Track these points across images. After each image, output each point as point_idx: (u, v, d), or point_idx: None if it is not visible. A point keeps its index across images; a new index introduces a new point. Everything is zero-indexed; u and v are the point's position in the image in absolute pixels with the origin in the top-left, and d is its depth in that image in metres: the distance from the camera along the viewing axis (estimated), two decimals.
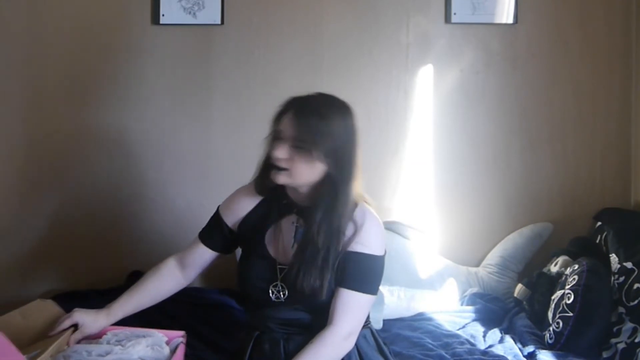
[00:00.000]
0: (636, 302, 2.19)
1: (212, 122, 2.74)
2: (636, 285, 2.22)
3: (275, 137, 1.75)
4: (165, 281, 1.92)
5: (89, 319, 1.82)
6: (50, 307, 1.92)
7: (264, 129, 2.70)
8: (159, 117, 2.71)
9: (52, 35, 2.65)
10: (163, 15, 2.65)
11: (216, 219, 1.94)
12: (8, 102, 2.65)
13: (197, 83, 2.72)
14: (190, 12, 2.67)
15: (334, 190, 1.73)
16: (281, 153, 1.72)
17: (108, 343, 1.76)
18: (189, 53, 2.71)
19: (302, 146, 1.70)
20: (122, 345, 1.73)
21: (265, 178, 1.81)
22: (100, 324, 1.83)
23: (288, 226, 1.83)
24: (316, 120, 1.70)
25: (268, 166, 1.79)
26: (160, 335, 1.81)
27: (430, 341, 2.22)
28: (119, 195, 2.70)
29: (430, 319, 2.44)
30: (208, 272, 2.72)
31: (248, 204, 1.89)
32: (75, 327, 1.82)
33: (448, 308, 2.55)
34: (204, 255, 1.94)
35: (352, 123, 1.77)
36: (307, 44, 2.75)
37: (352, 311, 1.74)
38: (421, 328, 2.35)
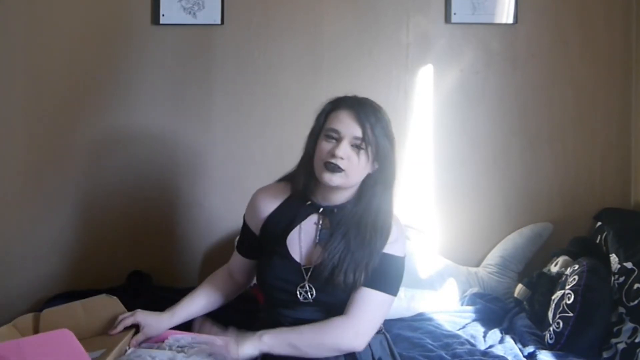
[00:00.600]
0: (636, 302, 2.19)
1: (212, 122, 2.74)
2: (636, 285, 2.22)
3: (330, 137, 1.74)
4: (223, 286, 1.98)
5: (152, 320, 1.84)
6: (114, 304, 1.95)
7: (264, 128, 2.74)
8: (158, 117, 2.71)
9: (52, 35, 2.65)
10: (163, 15, 2.65)
11: (244, 227, 1.95)
12: (9, 103, 2.65)
13: (197, 83, 2.72)
14: (190, 12, 2.67)
15: (384, 189, 1.78)
16: (343, 152, 1.71)
17: (170, 349, 1.75)
18: (189, 53, 2.71)
19: (363, 146, 1.71)
20: (185, 353, 1.71)
21: (310, 178, 1.80)
22: (163, 326, 1.85)
23: (310, 227, 1.83)
24: (375, 120, 1.73)
25: (310, 165, 1.78)
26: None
27: (430, 342, 2.21)
28: (118, 195, 2.70)
29: (430, 319, 2.43)
30: (207, 272, 2.74)
31: (269, 206, 1.87)
32: (136, 327, 1.84)
33: (448, 308, 2.54)
34: (244, 263, 1.97)
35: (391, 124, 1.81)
36: (307, 44, 2.75)
37: (368, 308, 1.74)
38: (421, 328, 2.35)
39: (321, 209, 1.82)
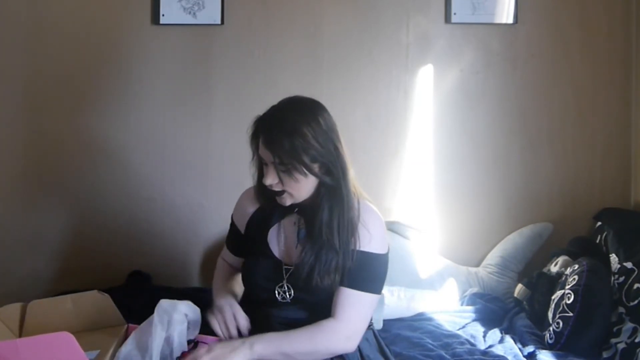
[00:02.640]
0: (636, 302, 2.19)
1: (212, 122, 2.74)
2: (636, 285, 2.22)
3: (261, 163, 1.76)
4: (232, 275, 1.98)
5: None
6: (105, 301, 1.95)
7: None
8: (158, 117, 2.71)
9: (51, 35, 2.65)
10: (163, 15, 2.65)
11: (231, 225, 1.96)
12: (8, 104, 2.65)
13: (197, 83, 2.72)
14: (190, 12, 2.67)
15: (332, 190, 1.73)
16: (271, 180, 1.71)
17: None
18: (189, 53, 2.71)
19: (282, 168, 1.69)
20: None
21: (265, 191, 1.80)
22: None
23: (290, 226, 1.83)
24: (287, 139, 1.66)
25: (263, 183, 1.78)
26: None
27: (430, 341, 2.22)
28: (119, 195, 2.70)
29: (430, 319, 2.44)
30: (207, 272, 2.74)
31: (251, 206, 1.89)
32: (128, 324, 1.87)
33: (448, 308, 2.55)
34: (234, 259, 1.98)
35: (324, 119, 1.73)
36: (307, 44, 2.75)
37: (354, 309, 1.73)
38: (421, 328, 2.35)
39: (297, 209, 1.81)
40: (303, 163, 1.68)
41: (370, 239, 1.76)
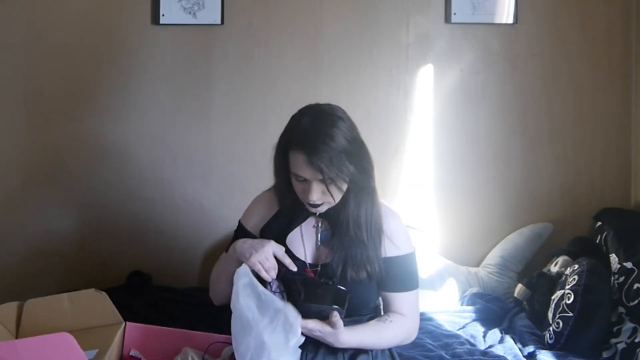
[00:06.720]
0: (636, 302, 2.19)
1: (212, 122, 2.74)
2: (636, 285, 2.22)
3: (297, 179, 1.73)
4: None
5: None
6: (102, 299, 1.96)
7: (264, 128, 2.74)
8: (158, 117, 2.71)
9: (52, 35, 2.65)
10: (163, 15, 2.66)
11: (240, 230, 1.93)
12: (8, 103, 2.65)
13: (197, 83, 2.72)
14: (190, 12, 2.67)
15: (361, 185, 1.75)
16: (318, 196, 1.70)
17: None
18: (189, 53, 2.71)
19: (328, 181, 1.69)
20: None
21: (291, 195, 1.80)
22: None
23: (309, 230, 1.84)
24: (332, 154, 1.66)
25: (288, 184, 1.78)
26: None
27: (430, 341, 2.22)
28: (119, 195, 2.70)
29: (430, 319, 2.44)
30: (207, 272, 2.74)
31: (267, 213, 1.89)
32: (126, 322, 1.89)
33: (448, 308, 2.55)
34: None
35: (350, 121, 1.75)
36: (307, 44, 2.75)
37: (414, 307, 1.86)
38: (421, 328, 2.33)
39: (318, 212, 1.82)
40: (347, 171, 1.69)
41: (397, 242, 1.83)
